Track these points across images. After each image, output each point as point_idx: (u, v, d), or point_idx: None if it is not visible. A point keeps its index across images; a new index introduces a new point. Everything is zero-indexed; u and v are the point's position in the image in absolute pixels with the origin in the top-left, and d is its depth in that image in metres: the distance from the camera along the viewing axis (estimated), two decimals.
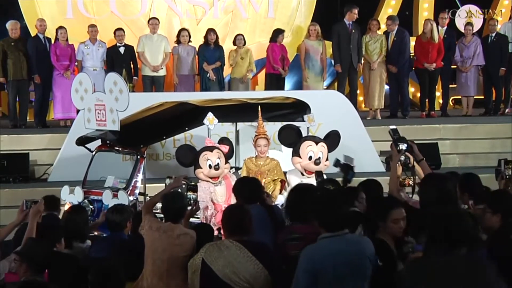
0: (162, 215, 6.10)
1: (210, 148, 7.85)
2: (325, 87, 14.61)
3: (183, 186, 7.39)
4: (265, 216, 5.85)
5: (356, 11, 13.19)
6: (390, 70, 13.16)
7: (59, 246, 5.90)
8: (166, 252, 5.55)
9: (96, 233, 7.22)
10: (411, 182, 6.70)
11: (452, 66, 13.85)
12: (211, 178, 7.77)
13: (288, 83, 14.99)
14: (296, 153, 8.07)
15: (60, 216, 7.04)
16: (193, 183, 7.74)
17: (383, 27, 14.00)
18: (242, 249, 4.83)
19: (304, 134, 8.73)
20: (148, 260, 5.65)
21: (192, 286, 4.98)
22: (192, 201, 7.13)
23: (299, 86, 14.06)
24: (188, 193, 7.49)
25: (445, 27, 13.64)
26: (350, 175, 7.02)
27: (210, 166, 7.70)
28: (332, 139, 8.49)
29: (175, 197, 6.00)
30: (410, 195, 6.84)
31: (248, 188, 6.08)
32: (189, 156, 7.93)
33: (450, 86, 14.11)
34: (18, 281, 4.98)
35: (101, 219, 7.03)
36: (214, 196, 7.73)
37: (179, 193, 6.53)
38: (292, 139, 8.20)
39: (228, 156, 7.99)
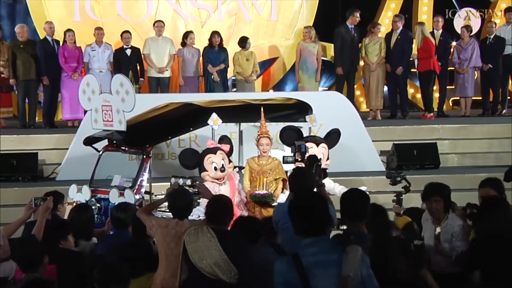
0: (168, 213, 6.25)
1: (213, 150, 7.91)
2: (326, 88, 14.80)
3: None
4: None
5: (358, 14, 13.34)
6: (396, 71, 13.23)
7: (64, 244, 6.03)
8: (177, 247, 5.63)
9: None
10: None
11: (450, 68, 14.03)
12: (217, 179, 7.87)
13: (290, 84, 15.20)
14: None
15: (66, 215, 7.14)
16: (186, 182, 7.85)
17: (383, 29, 14.19)
18: (214, 237, 5.15)
19: (306, 134, 8.90)
20: (162, 257, 5.76)
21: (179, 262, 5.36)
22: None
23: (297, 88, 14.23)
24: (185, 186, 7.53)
25: (441, 30, 13.74)
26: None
27: (215, 168, 7.81)
28: (332, 138, 8.68)
29: (179, 194, 6.06)
30: None
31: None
32: (192, 159, 7.99)
33: (449, 87, 14.27)
34: (23, 279, 5.05)
35: (108, 227, 7.10)
36: None
37: (183, 190, 6.58)
38: (293, 139, 8.37)
39: (228, 154, 8.06)
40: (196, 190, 7.16)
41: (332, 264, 4.15)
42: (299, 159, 7.27)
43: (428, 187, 6.14)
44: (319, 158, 7.93)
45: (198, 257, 5.16)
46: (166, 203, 6.31)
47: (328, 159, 8.49)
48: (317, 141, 8.45)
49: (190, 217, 6.11)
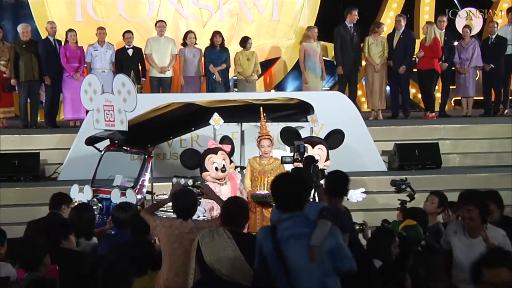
0: (170, 213, 6.27)
1: (214, 150, 7.94)
2: (328, 88, 14.78)
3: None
4: None
5: (356, 12, 13.34)
6: (398, 70, 13.23)
7: (65, 243, 6.03)
8: (180, 247, 5.66)
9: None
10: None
11: (452, 68, 14.03)
12: (218, 179, 7.92)
13: (291, 85, 15.19)
14: None
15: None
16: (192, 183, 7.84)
17: (385, 29, 14.18)
18: (231, 238, 5.14)
19: (308, 134, 8.89)
20: (165, 256, 5.77)
21: (191, 263, 5.31)
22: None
23: (300, 87, 14.22)
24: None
25: (444, 30, 13.74)
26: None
27: (216, 169, 7.85)
28: (334, 138, 8.68)
29: (183, 195, 6.05)
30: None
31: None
32: (193, 159, 8.03)
33: (450, 87, 14.28)
34: (25, 279, 5.06)
35: (109, 226, 7.14)
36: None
37: (188, 190, 6.53)
38: (292, 139, 8.37)
39: (229, 155, 8.09)
40: (198, 190, 7.16)
41: (304, 237, 4.51)
42: (298, 159, 7.27)
43: (462, 194, 5.84)
44: (316, 159, 7.97)
45: (214, 258, 5.13)
46: (169, 203, 6.31)
47: (327, 159, 8.48)
48: (313, 142, 8.43)
49: None
